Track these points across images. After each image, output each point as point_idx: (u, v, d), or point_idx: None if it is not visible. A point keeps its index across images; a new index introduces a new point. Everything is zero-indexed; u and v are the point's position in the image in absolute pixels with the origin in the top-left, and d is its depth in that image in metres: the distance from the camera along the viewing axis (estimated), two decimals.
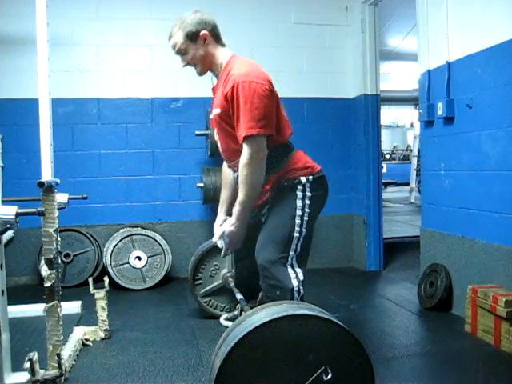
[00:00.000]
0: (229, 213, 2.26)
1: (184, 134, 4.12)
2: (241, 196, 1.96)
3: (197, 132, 3.89)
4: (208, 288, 2.92)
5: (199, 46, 2.05)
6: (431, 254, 3.23)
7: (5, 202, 3.09)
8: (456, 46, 2.92)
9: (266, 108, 1.91)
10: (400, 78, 9.98)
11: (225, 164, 2.35)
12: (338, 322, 1.49)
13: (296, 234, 2.00)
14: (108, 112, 4.02)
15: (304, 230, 2.02)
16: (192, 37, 2.04)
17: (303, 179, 2.04)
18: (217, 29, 2.11)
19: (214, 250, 2.90)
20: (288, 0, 4.24)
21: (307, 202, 2.03)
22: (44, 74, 2.21)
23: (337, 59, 4.36)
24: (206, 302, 2.94)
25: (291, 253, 1.99)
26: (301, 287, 1.97)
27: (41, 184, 1.96)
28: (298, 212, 2.01)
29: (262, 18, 4.21)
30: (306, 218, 2.02)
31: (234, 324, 1.59)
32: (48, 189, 2.00)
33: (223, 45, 2.12)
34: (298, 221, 2.01)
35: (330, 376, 1.42)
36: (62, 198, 2.31)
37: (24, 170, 3.79)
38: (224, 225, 2.09)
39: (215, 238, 2.15)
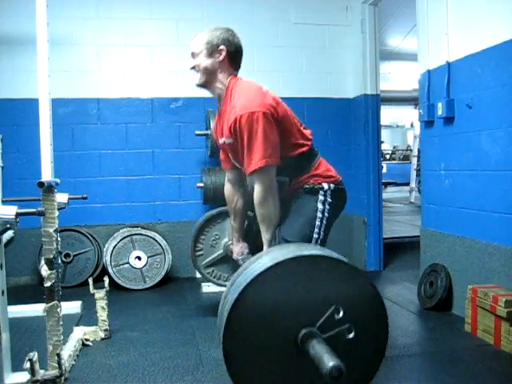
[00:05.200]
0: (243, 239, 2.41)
1: (184, 134, 4.12)
2: (265, 235, 2.02)
3: (197, 132, 3.89)
4: (210, 258, 2.90)
5: (212, 58, 2.05)
6: (431, 253, 3.23)
7: (5, 202, 3.09)
8: (456, 45, 2.92)
9: (270, 138, 1.93)
10: (400, 78, 9.98)
11: (227, 187, 2.37)
12: (347, 261, 1.49)
13: (315, 235, 2.02)
14: (108, 112, 4.02)
15: (322, 232, 2.04)
16: (210, 46, 2.04)
17: (325, 185, 2.07)
18: (238, 55, 2.11)
19: (214, 219, 2.86)
20: (288, 0, 4.25)
21: (327, 207, 2.06)
22: (44, 74, 2.21)
23: (337, 59, 4.36)
24: (209, 273, 2.91)
25: None
26: None
27: (41, 184, 1.96)
28: (319, 214, 2.04)
29: (262, 18, 4.21)
30: (324, 222, 2.04)
31: (240, 270, 1.57)
32: (48, 189, 2.00)
33: (236, 70, 2.12)
34: (318, 222, 2.03)
35: (341, 314, 1.42)
36: (61, 197, 2.30)
37: (24, 170, 3.79)
38: None
39: None
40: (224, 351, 1.42)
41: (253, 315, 1.41)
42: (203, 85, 2.12)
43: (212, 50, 2.04)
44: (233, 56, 2.08)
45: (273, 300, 1.42)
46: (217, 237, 2.88)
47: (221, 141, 2.15)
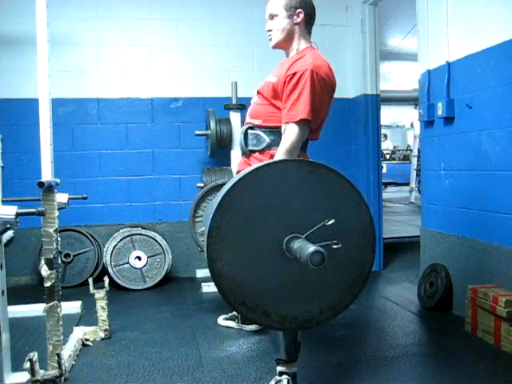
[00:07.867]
0: None
1: (184, 134, 4.12)
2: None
3: (197, 132, 3.89)
4: None
5: (290, 19, 2.09)
6: (431, 253, 3.23)
7: (5, 202, 3.09)
8: (456, 45, 2.92)
9: (322, 104, 1.96)
10: (400, 77, 9.98)
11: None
12: (329, 166, 1.48)
13: None
14: (108, 112, 4.02)
15: None
16: (289, 8, 2.08)
17: None
18: (312, 18, 2.18)
19: (218, 188, 2.85)
20: None
21: None
22: (44, 74, 2.22)
23: (337, 59, 4.33)
24: (203, 241, 2.92)
25: None
26: None
27: (41, 184, 1.96)
28: None
29: (262, 18, 4.16)
30: None
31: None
32: (48, 189, 2.00)
33: (309, 33, 2.18)
34: None
35: (331, 222, 1.40)
36: (61, 197, 2.31)
37: (24, 170, 3.79)
38: None
39: None
40: (209, 256, 1.37)
41: (237, 218, 1.37)
42: (279, 46, 2.15)
43: (290, 12, 2.09)
44: (308, 18, 2.14)
45: (257, 204, 1.37)
46: None
47: (263, 82, 2.12)
